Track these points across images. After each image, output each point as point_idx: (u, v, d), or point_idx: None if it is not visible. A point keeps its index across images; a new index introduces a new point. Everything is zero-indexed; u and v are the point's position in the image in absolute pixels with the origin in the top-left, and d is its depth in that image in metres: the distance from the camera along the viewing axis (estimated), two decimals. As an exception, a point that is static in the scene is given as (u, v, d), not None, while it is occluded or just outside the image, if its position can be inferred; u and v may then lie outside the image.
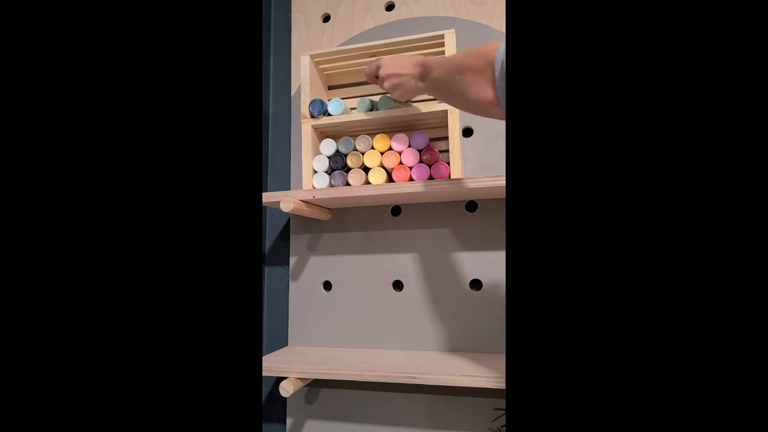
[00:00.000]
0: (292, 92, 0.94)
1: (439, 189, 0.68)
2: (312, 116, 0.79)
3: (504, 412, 0.75)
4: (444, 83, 0.54)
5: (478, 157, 0.81)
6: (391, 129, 0.80)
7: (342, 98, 0.80)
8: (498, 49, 0.44)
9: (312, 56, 0.80)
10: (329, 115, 0.79)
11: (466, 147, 0.81)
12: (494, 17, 0.83)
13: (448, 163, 0.73)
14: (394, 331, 0.83)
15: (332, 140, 0.79)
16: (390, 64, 0.65)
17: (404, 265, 0.83)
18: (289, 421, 0.87)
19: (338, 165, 0.79)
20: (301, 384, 0.74)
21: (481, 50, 0.47)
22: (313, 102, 0.79)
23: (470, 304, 0.79)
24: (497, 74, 0.43)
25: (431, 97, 0.72)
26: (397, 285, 0.84)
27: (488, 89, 0.45)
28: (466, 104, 0.50)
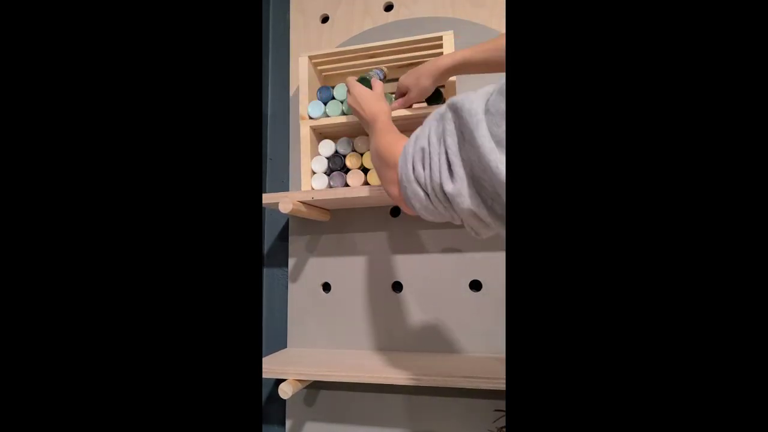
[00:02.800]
0: (291, 93, 0.94)
1: (439, 190, 0.68)
2: (321, 102, 0.79)
3: (504, 413, 0.75)
4: (373, 152, 0.55)
5: (477, 158, 0.81)
6: (389, 130, 0.80)
7: (340, 99, 0.80)
8: (404, 149, 0.43)
9: (310, 57, 0.80)
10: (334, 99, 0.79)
11: (465, 148, 0.81)
12: (493, 18, 0.83)
13: (447, 164, 0.73)
14: (393, 333, 0.82)
15: (331, 141, 0.79)
16: (360, 97, 0.63)
17: (403, 266, 0.83)
18: (288, 423, 0.87)
19: (337, 166, 0.79)
20: (300, 386, 0.74)
21: (392, 145, 0.47)
22: (320, 89, 0.79)
23: (470, 305, 0.79)
24: (401, 175, 0.42)
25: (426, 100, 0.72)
26: (397, 286, 0.84)
27: (394, 187, 0.46)
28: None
